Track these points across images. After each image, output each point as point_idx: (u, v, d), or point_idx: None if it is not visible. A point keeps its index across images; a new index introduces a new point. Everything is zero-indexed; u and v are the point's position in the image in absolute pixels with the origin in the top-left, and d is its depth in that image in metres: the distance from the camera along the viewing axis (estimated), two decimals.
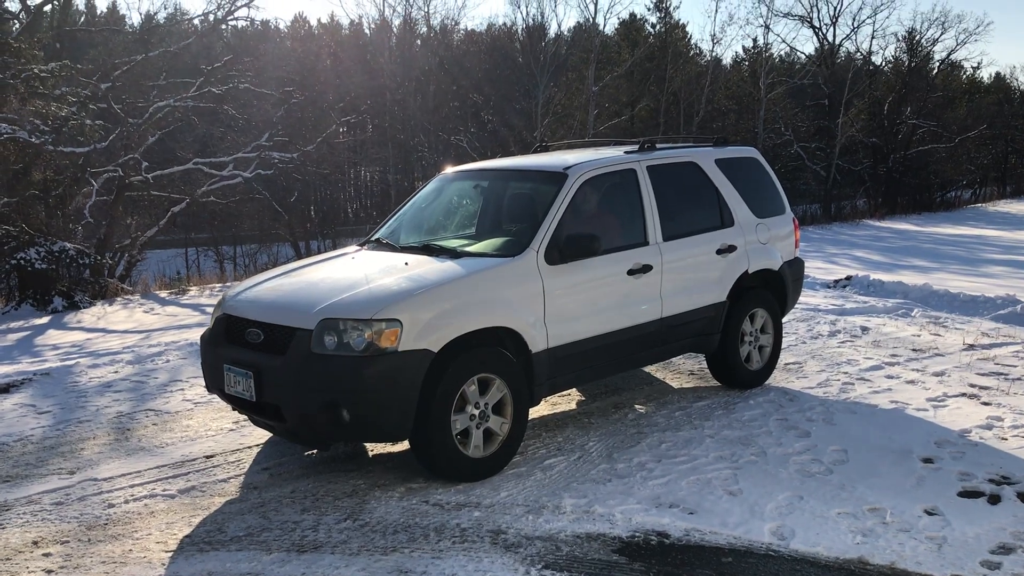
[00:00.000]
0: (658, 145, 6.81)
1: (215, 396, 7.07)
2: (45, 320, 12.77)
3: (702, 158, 6.87)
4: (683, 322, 6.42)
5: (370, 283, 5.20)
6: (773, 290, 7.19)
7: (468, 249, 5.80)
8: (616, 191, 6.26)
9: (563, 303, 5.54)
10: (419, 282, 5.13)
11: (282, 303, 5.26)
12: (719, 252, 6.68)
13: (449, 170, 7.15)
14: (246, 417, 5.93)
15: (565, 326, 5.56)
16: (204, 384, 5.75)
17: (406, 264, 5.51)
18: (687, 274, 6.42)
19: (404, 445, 5.77)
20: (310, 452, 5.76)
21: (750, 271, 6.87)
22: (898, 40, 46.60)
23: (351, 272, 5.61)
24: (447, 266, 5.40)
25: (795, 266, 7.43)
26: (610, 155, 6.41)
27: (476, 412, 5.12)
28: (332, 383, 4.74)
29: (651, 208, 6.25)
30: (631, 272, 5.98)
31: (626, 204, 6.24)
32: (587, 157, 6.31)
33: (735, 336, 6.83)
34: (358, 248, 6.46)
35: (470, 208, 6.94)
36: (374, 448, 5.84)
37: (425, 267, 5.41)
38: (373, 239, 6.56)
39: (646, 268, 6.06)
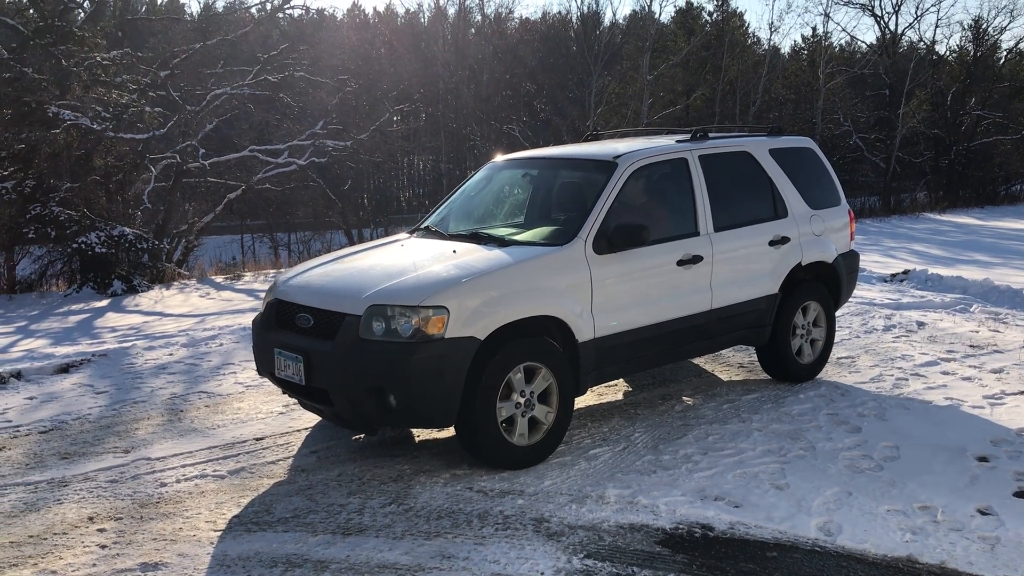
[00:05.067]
0: (711, 134, 6.73)
1: (266, 379, 7.20)
2: (105, 303, 13.09)
3: (756, 148, 6.77)
4: (733, 314, 6.33)
5: (418, 270, 5.23)
6: (827, 283, 7.06)
7: (516, 238, 5.79)
8: (667, 180, 6.20)
9: (611, 293, 5.50)
10: (466, 270, 5.13)
11: (331, 289, 5.30)
12: (772, 243, 6.57)
13: (499, 158, 7.14)
14: (296, 401, 6.00)
15: (612, 316, 5.52)
16: (255, 367, 5.85)
17: (454, 252, 5.52)
18: (738, 265, 6.33)
19: (450, 431, 5.82)
20: (357, 436, 5.83)
21: (803, 263, 6.76)
22: (963, 29, 45.54)
23: (400, 259, 5.64)
24: (495, 254, 5.39)
25: (850, 259, 7.30)
26: (661, 144, 6.34)
27: (522, 400, 5.12)
28: (379, 369, 4.77)
29: (702, 198, 6.17)
30: (681, 263, 5.92)
31: (677, 194, 6.18)
32: (638, 146, 6.26)
33: (787, 329, 6.71)
34: (407, 235, 6.49)
35: (519, 196, 6.93)
36: (420, 434, 5.89)
37: (473, 255, 5.41)
38: (422, 227, 6.57)
39: (696, 259, 5.99)
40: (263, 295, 13.31)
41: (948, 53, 39.15)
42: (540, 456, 5.26)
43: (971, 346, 7.94)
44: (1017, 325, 8.76)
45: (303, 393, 5.29)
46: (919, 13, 46.18)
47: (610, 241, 5.48)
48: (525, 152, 7.26)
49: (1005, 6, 46.38)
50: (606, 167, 5.88)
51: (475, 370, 4.88)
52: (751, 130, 7.45)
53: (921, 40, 39.54)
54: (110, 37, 18.92)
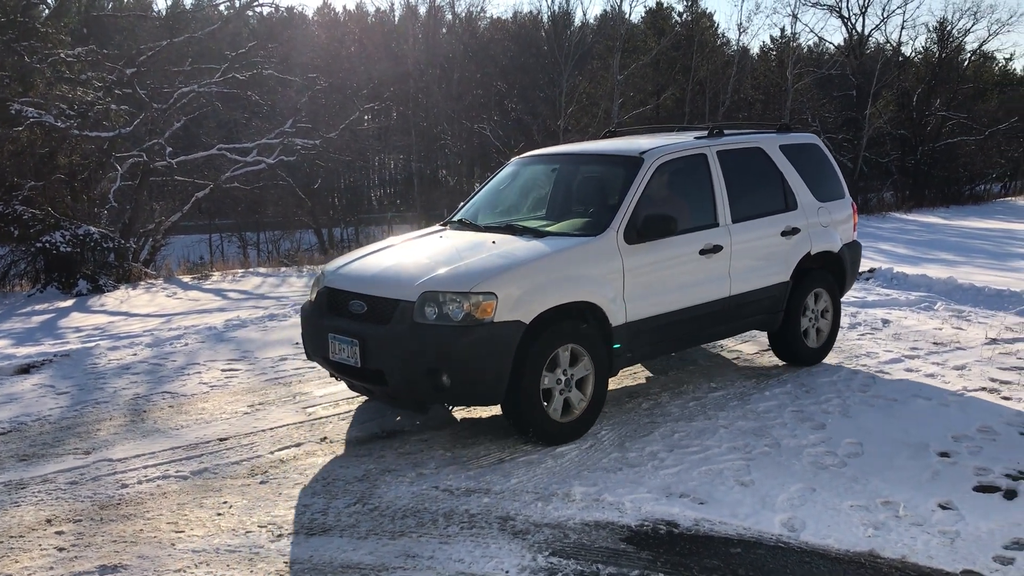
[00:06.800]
0: (726, 131, 7.04)
1: (232, 379, 7.16)
2: (69, 303, 12.91)
3: (767, 144, 7.11)
4: (750, 300, 6.68)
5: (464, 259, 5.55)
6: (833, 271, 7.43)
7: (550, 229, 6.07)
8: (688, 175, 6.52)
9: (640, 280, 5.83)
10: (510, 259, 5.46)
11: (384, 277, 5.60)
12: (784, 234, 6.91)
13: (524, 155, 7.45)
14: (345, 383, 6.26)
15: (642, 302, 5.86)
16: (304, 352, 6.16)
17: (493, 243, 5.83)
18: (754, 255, 6.69)
19: (419, 429, 5.81)
20: (323, 437, 5.79)
21: (812, 253, 7.12)
22: (928, 30, 46.15)
23: (443, 249, 5.95)
24: (534, 244, 5.70)
25: (853, 249, 7.69)
26: (682, 140, 6.64)
27: (562, 380, 5.46)
28: (433, 350, 5.08)
29: (721, 191, 6.51)
30: (703, 252, 6.26)
31: (697, 187, 6.49)
32: (660, 142, 6.56)
33: (797, 315, 7.08)
34: (443, 228, 6.77)
35: (548, 191, 7.15)
36: (390, 431, 5.86)
37: (513, 245, 5.74)
38: (455, 220, 6.87)
39: (716, 248, 6.33)
40: (232, 295, 13.19)
41: (914, 54, 39.75)
42: (579, 431, 5.60)
43: (935, 343, 8.03)
44: (980, 323, 8.88)
45: (357, 375, 5.52)
46: (885, 15, 46.98)
47: (640, 232, 5.80)
48: (550, 148, 7.62)
49: (969, 8, 47.06)
50: (633, 162, 6.17)
51: (521, 351, 5.19)
52: (760, 127, 7.72)
53: (888, 41, 39.98)
54: (75, 34, 18.69)
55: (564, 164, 7.10)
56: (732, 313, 6.58)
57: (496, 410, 6.21)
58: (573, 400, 5.55)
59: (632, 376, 7.11)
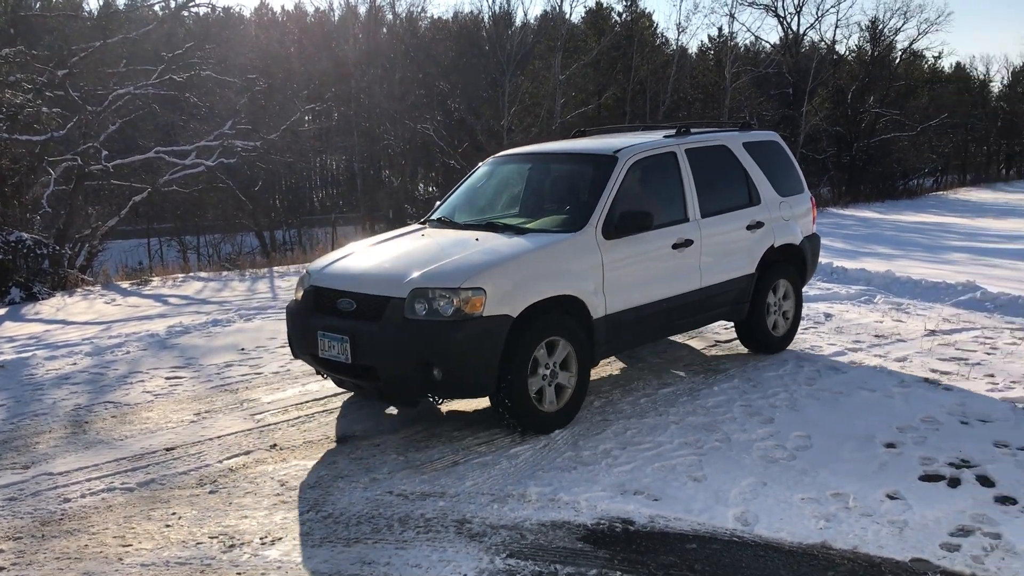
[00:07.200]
0: (692, 130, 7.24)
1: (177, 387, 7.03)
2: (1, 312, 12.51)
3: (732, 141, 7.37)
4: (719, 292, 6.94)
5: (450, 256, 5.66)
6: (795, 263, 7.72)
7: (530, 226, 6.22)
8: (659, 172, 6.69)
9: (618, 274, 6.03)
10: (496, 255, 5.61)
11: (372, 275, 5.71)
12: (749, 228, 7.18)
13: (499, 154, 7.56)
14: (331, 379, 6.16)
15: (620, 295, 6.06)
16: (290, 350, 6.25)
17: (477, 240, 5.97)
18: (722, 248, 6.93)
19: (371, 434, 5.74)
20: (273, 444, 5.69)
21: (775, 245, 7.39)
22: (861, 29, 47.16)
23: (428, 247, 6.06)
24: (517, 241, 5.87)
25: (813, 241, 7.99)
26: (652, 139, 6.84)
27: (547, 371, 5.64)
28: (425, 345, 5.21)
29: (690, 187, 6.74)
30: (675, 246, 6.48)
31: (668, 184, 6.71)
32: (632, 141, 6.77)
33: (762, 305, 7.36)
34: (423, 226, 6.89)
35: (524, 188, 7.23)
36: (341, 436, 5.79)
37: (496, 242, 5.89)
38: (435, 218, 6.98)
39: (688, 242, 6.57)
40: (173, 300, 12.90)
41: (848, 53, 40.57)
42: (564, 420, 5.78)
43: (876, 336, 8.20)
44: (918, 315, 9.09)
45: (347, 371, 5.59)
46: (820, 14, 47.94)
47: (617, 227, 6.00)
48: (524, 148, 7.75)
49: (899, 8, 48.36)
50: (608, 161, 6.36)
51: (509, 344, 5.34)
52: (721, 126, 8.07)
53: (822, 40, 40.80)
54: (1, 34, 18.09)
55: (538, 163, 7.26)
56: (703, 304, 6.81)
57: (456, 406, 6.18)
58: (560, 388, 5.71)
59: None
